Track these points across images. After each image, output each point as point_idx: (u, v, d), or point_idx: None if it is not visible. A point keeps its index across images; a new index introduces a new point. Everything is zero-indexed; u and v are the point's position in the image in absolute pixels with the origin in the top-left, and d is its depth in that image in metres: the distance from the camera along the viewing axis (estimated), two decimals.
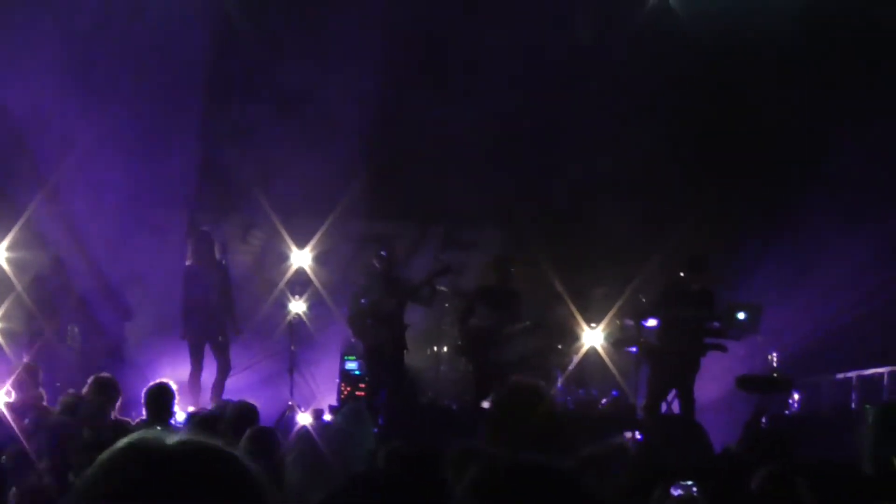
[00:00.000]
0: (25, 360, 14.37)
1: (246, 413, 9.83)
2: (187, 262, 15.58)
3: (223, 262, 15.83)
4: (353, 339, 16.13)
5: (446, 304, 17.22)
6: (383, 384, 15.24)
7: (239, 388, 15.48)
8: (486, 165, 17.86)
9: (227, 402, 11.91)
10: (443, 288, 16.91)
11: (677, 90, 17.91)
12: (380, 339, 15.07)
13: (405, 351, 15.39)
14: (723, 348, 14.83)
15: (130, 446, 1.98)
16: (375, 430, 14.57)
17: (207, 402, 14.65)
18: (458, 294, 16.76)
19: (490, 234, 19.10)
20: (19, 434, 10.05)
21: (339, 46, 17.79)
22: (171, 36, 17.18)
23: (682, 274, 14.71)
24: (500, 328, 15.12)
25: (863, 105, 16.91)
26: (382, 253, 15.36)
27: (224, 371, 15.47)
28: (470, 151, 17.68)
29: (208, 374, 15.55)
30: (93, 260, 16.62)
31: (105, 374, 11.30)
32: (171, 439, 2.00)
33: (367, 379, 15.74)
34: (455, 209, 18.57)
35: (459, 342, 15.70)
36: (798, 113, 17.46)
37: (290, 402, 15.31)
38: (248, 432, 8.07)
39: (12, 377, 12.65)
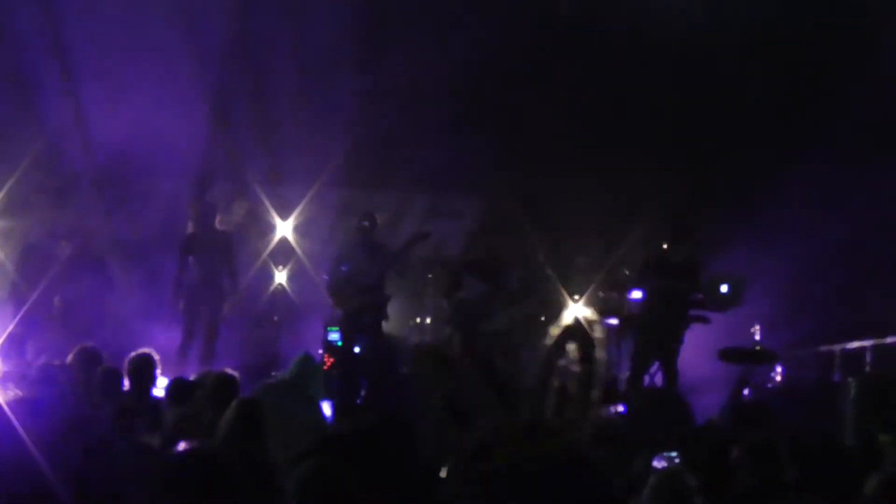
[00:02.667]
0: (10, 330, 14.35)
1: (226, 383, 9.81)
2: (189, 231, 15.51)
3: (226, 232, 15.76)
4: (333, 308, 16.09)
5: (429, 275, 17.22)
6: (360, 353, 15.25)
7: (221, 357, 15.40)
8: (468, 133, 17.85)
9: (209, 372, 11.89)
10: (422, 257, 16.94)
11: (655, 60, 17.90)
12: (359, 307, 15.05)
13: (385, 321, 15.39)
14: (705, 320, 14.86)
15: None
16: (360, 395, 14.70)
17: (195, 370, 14.58)
18: (444, 265, 16.77)
19: (472, 203, 19.10)
20: (2, 404, 10.00)
21: (316, 14, 17.74)
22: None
23: (664, 245, 14.72)
24: (488, 299, 15.13)
25: (843, 77, 16.95)
26: (364, 222, 15.33)
27: (211, 342, 15.41)
28: (453, 119, 17.66)
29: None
30: (79, 227, 16.56)
31: (89, 345, 11.26)
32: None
33: (342, 346, 15.65)
34: (438, 178, 18.57)
35: (449, 313, 15.71)
36: (780, 83, 17.51)
37: (273, 373, 15.29)
38: (233, 404, 8.05)
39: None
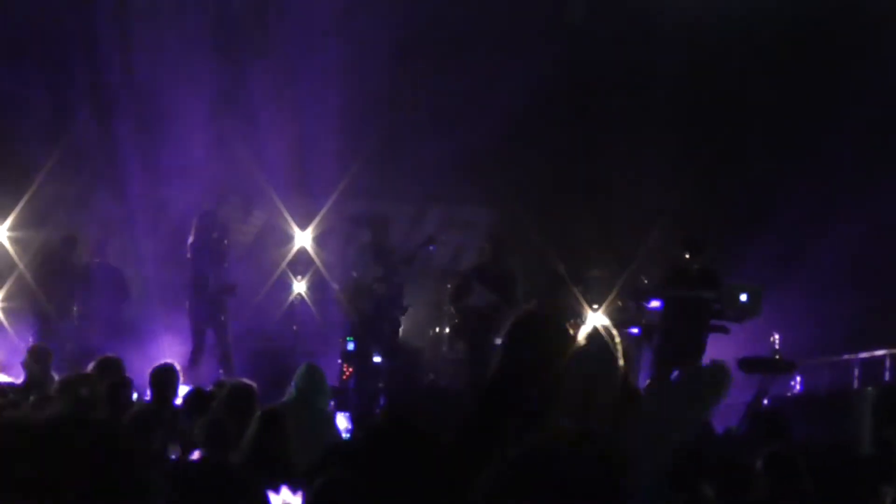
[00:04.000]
0: (31, 340, 14.41)
1: (241, 393, 9.82)
2: (189, 240, 15.54)
3: (224, 241, 15.77)
4: (346, 316, 16.08)
5: (448, 286, 17.22)
6: (377, 362, 15.29)
7: (238, 366, 15.41)
8: (484, 146, 17.87)
9: (225, 381, 11.92)
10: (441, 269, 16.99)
11: (671, 72, 17.90)
12: (371, 315, 15.09)
13: (399, 328, 15.43)
14: (725, 330, 14.84)
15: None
16: (378, 406, 14.71)
17: (209, 378, 14.56)
18: (456, 274, 16.84)
19: (487, 214, 19.11)
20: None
21: (335, 24, 17.83)
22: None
23: (686, 255, 14.69)
24: (495, 309, 15.10)
25: (858, 83, 16.95)
26: (372, 225, 15.41)
27: (226, 350, 15.42)
28: (468, 132, 17.69)
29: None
30: (92, 238, 16.62)
31: (110, 355, 11.31)
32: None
33: (356, 355, 15.63)
34: (453, 190, 18.60)
35: (455, 321, 15.74)
36: (796, 90, 17.52)
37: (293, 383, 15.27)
38: (257, 415, 8.10)
39: (24, 357, 12.64)
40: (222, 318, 15.50)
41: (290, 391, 10.72)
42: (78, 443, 2.04)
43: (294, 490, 6.56)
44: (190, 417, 10.07)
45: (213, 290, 15.39)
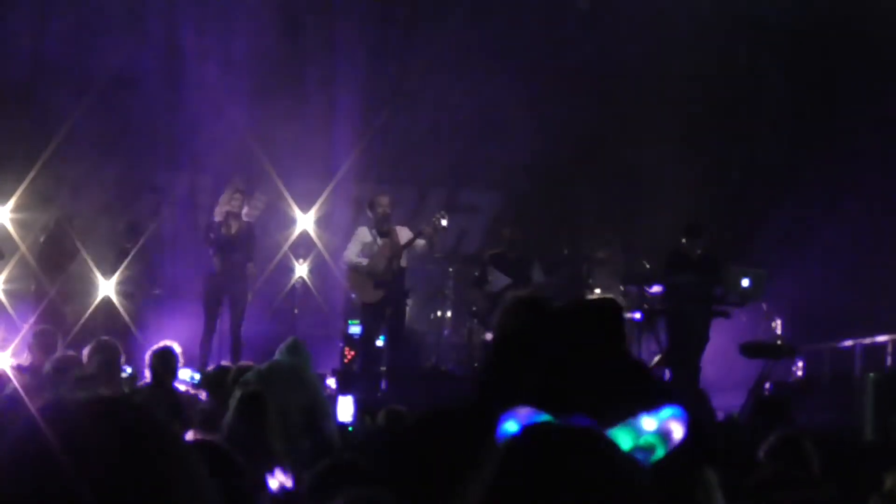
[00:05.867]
0: (32, 321, 14.38)
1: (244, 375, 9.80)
2: (215, 217, 15.52)
3: (249, 223, 15.71)
4: (352, 299, 16.05)
5: (450, 269, 17.22)
6: (381, 346, 15.30)
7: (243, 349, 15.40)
8: (486, 128, 17.87)
9: (230, 365, 11.90)
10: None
11: (679, 54, 17.88)
12: (379, 297, 15.07)
13: (406, 307, 15.43)
14: (726, 314, 14.85)
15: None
16: (379, 390, 14.71)
17: (218, 362, 14.50)
18: (467, 259, 16.85)
19: (491, 197, 19.11)
20: (23, 395, 10.02)
21: (336, 8, 17.83)
22: None
23: (683, 241, 14.71)
24: (509, 292, 15.11)
25: (859, 71, 16.96)
26: (376, 202, 15.38)
27: (236, 333, 15.36)
28: (469, 114, 17.69)
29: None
30: (95, 220, 16.60)
31: (105, 337, 11.26)
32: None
33: (363, 338, 15.62)
34: (456, 172, 18.59)
35: (474, 307, 15.79)
36: (802, 76, 17.51)
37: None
38: (236, 395, 8.00)
39: (30, 339, 12.63)
40: (240, 304, 15.42)
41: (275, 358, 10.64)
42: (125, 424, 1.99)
43: (286, 473, 6.53)
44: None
45: (238, 272, 15.31)
